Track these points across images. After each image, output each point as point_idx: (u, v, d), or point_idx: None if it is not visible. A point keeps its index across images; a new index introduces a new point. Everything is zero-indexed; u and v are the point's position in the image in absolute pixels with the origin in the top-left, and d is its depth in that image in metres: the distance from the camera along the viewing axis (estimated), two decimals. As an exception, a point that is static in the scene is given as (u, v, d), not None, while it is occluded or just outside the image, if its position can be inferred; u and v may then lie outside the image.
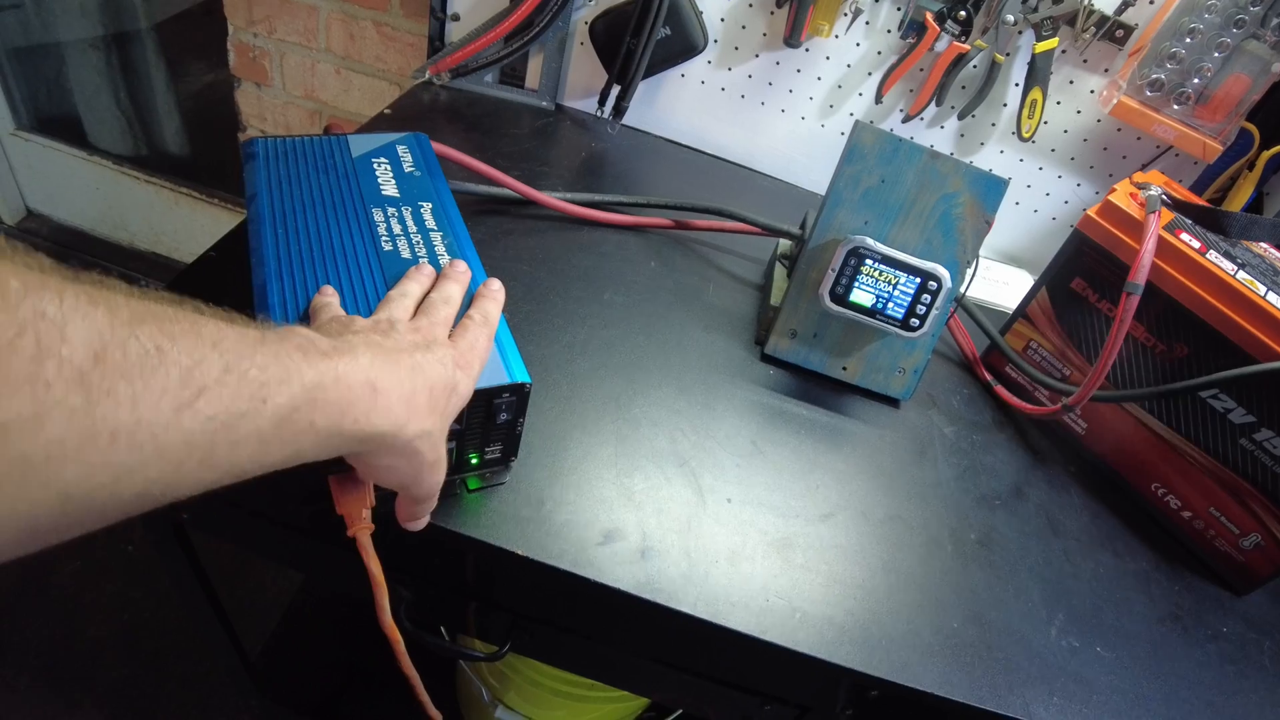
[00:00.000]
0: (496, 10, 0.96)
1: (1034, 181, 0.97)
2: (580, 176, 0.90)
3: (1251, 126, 0.86)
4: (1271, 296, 0.59)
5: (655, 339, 0.69)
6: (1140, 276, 0.59)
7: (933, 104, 0.92)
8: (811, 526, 0.57)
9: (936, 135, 0.96)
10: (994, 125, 0.94)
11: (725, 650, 0.54)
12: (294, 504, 0.56)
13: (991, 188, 0.64)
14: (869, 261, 0.64)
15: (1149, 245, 0.60)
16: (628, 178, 0.93)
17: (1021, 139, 0.91)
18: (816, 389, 0.70)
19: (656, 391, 0.63)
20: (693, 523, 0.54)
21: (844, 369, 0.71)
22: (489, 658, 0.61)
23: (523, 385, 0.45)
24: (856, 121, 0.65)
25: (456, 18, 0.98)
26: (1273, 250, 0.68)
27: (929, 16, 0.86)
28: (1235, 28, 0.78)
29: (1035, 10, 0.83)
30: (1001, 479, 0.68)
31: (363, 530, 0.42)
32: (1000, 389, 0.76)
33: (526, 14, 0.93)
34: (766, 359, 0.71)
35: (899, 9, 0.88)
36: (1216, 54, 0.80)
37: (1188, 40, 0.80)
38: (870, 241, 0.64)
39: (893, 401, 0.72)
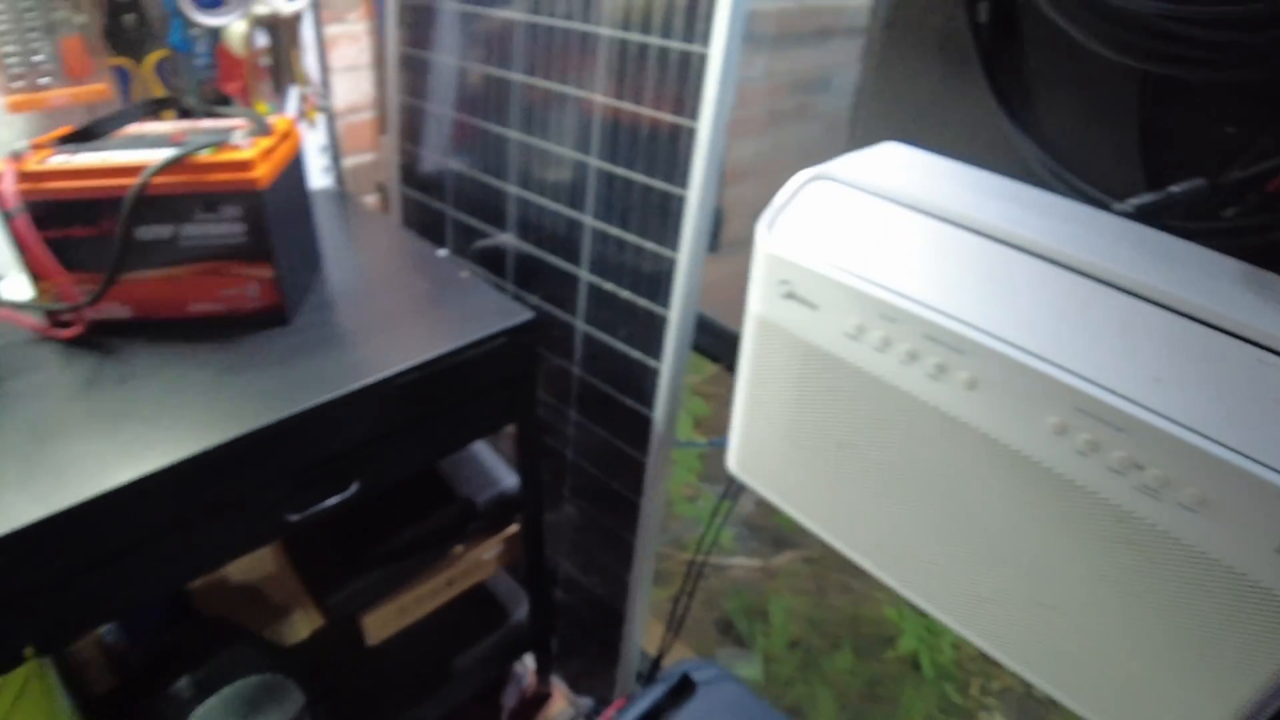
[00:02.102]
0: None
1: None
2: None
3: (124, 60, 1.19)
4: (127, 155, 0.92)
5: None
6: (9, 203, 0.88)
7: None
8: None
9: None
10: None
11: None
12: None
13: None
14: None
15: (7, 181, 0.88)
16: None
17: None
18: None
19: None
20: None
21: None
22: None
23: None
24: None
25: None
26: (148, 125, 1.01)
27: None
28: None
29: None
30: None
31: None
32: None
33: None
34: None
35: None
36: (36, 31, 1.10)
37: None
38: None
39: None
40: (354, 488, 0.97)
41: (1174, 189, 0.67)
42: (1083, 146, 0.73)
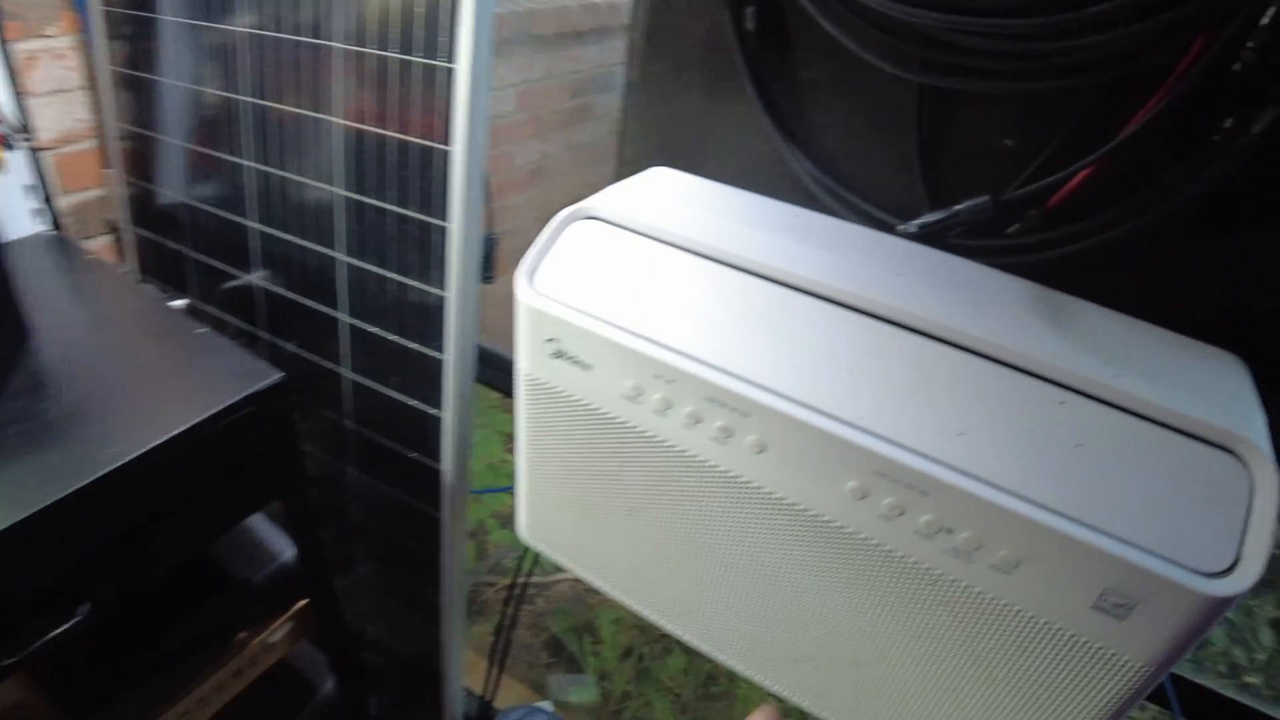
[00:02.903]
0: None
1: None
2: None
3: None
4: None
5: None
6: None
7: None
8: None
9: None
10: None
11: None
12: None
13: None
14: None
15: None
16: None
17: None
18: None
19: None
20: None
21: None
22: None
23: None
24: None
25: None
26: None
27: None
28: None
29: None
30: None
31: None
32: None
33: None
34: None
35: None
36: None
37: None
38: None
39: None
40: (83, 612, 0.79)
41: (958, 207, 0.62)
42: (863, 163, 0.68)
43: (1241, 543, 0.48)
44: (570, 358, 0.59)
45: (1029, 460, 0.49)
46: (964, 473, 0.49)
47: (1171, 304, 0.63)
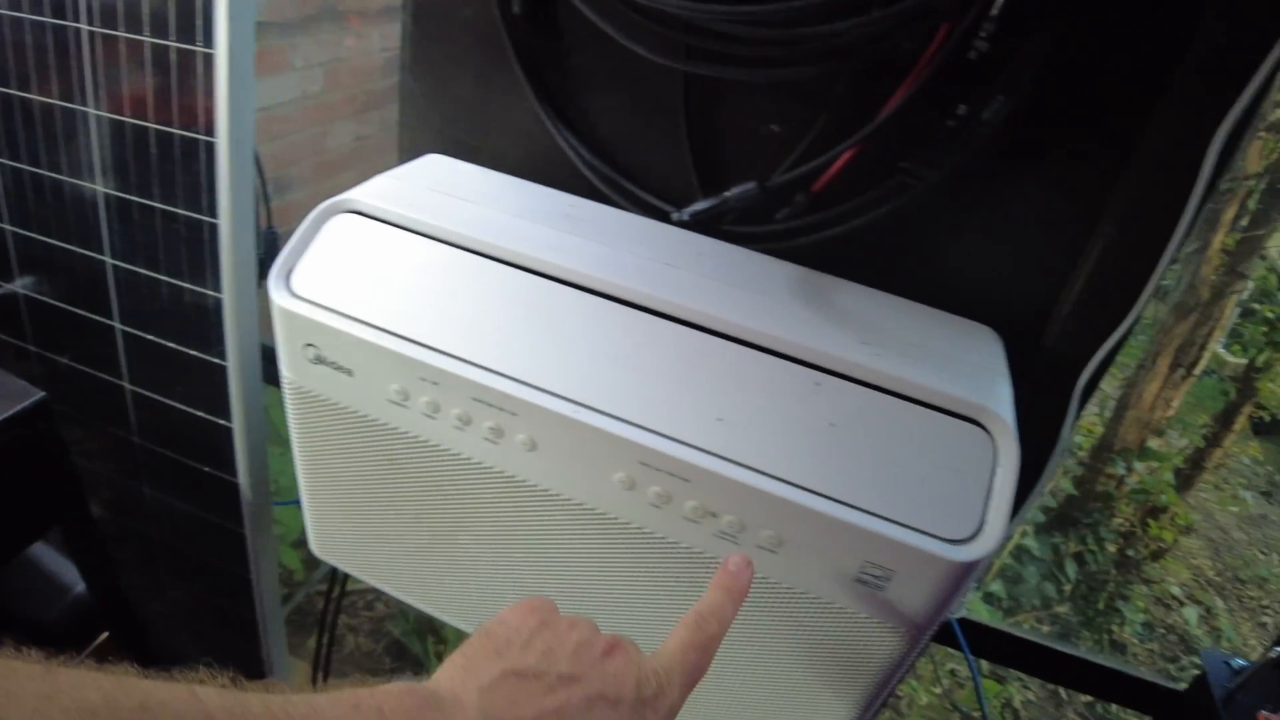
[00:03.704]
0: None
1: None
2: None
3: None
4: None
5: None
6: None
7: None
8: None
9: None
10: None
11: None
12: None
13: None
14: None
15: None
16: None
17: None
18: None
19: None
20: None
21: None
22: None
23: None
24: None
25: None
26: None
27: None
28: None
29: None
30: None
31: None
32: None
33: None
34: None
35: None
36: None
37: None
38: None
39: None
40: None
41: (727, 194, 0.62)
42: (639, 151, 0.67)
43: (985, 510, 0.51)
44: (331, 363, 0.56)
45: (784, 442, 0.50)
46: (721, 458, 0.49)
47: (933, 282, 0.66)
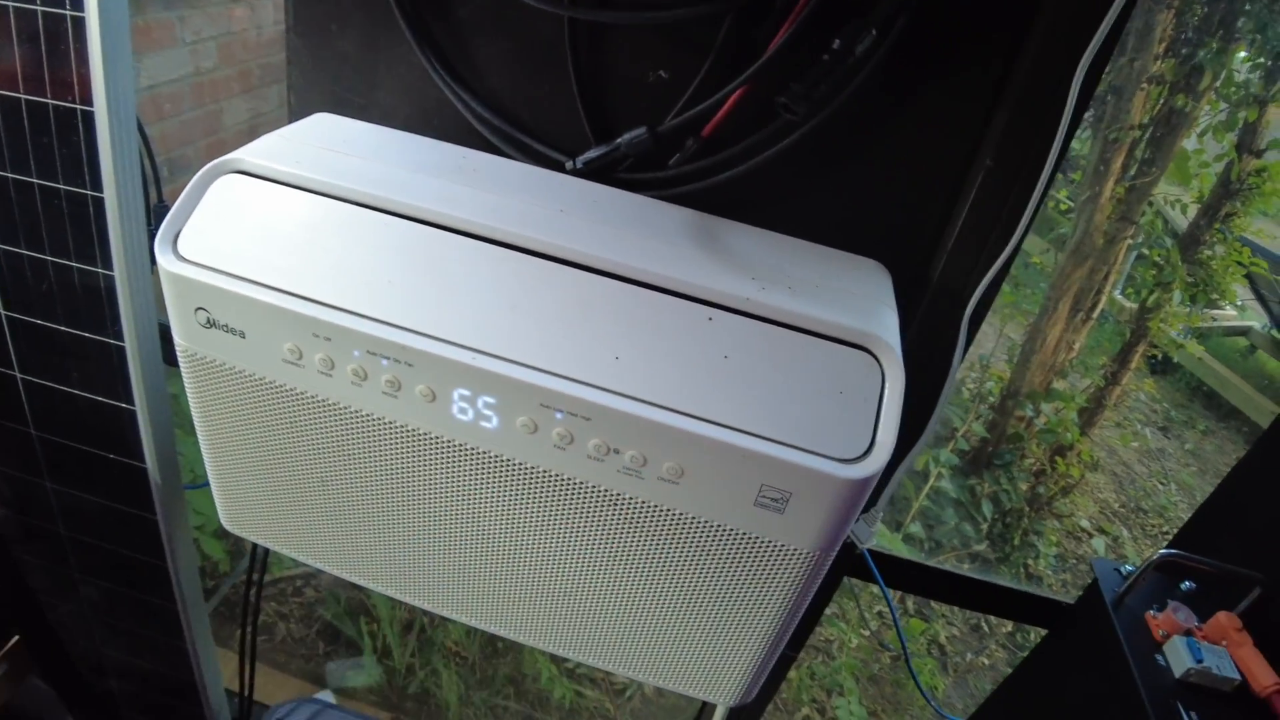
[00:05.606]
0: None
1: None
2: None
3: None
4: None
5: None
6: None
7: None
8: None
9: None
10: None
11: None
12: None
13: None
14: None
15: None
16: None
17: None
18: None
19: None
20: None
21: None
22: None
23: None
24: None
25: None
26: None
27: None
28: None
29: None
30: None
31: None
32: None
33: None
34: None
35: None
36: None
37: None
38: None
39: None
40: None
41: (618, 140, 0.63)
42: (529, 103, 0.67)
43: (874, 430, 0.53)
44: (223, 326, 0.55)
45: (681, 376, 0.51)
46: (620, 394, 0.50)
47: (824, 221, 0.68)
